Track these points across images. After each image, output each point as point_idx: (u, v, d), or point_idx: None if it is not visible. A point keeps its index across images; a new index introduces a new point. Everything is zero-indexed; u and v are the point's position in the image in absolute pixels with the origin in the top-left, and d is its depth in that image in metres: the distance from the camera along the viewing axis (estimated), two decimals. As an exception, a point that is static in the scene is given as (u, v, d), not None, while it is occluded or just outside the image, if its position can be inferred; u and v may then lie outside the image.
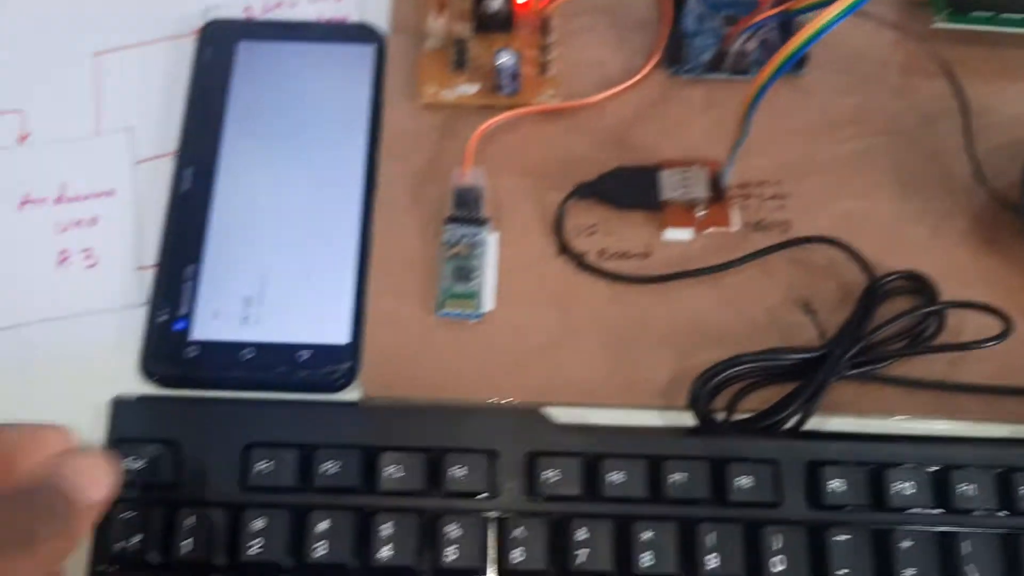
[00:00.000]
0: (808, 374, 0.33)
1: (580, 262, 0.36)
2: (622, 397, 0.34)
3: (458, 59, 0.39)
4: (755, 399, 0.34)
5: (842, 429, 0.34)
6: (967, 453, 0.31)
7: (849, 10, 0.29)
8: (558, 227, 0.37)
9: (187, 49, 0.40)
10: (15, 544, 0.24)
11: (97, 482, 0.26)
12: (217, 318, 0.35)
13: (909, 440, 0.32)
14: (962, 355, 0.35)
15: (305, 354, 0.35)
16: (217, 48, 0.40)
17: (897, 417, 0.34)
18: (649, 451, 0.30)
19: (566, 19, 0.41)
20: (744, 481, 0.30)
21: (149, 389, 0.34)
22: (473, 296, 0.35)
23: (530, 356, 0.35)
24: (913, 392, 0.34)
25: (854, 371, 0.34)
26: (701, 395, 0.33)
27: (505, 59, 0.37)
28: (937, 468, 0.30)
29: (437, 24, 0.39)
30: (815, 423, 0.34)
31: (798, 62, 0.39)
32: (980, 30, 0.40)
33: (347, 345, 0.35)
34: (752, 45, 0.39)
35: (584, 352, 0.35)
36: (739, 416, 0.34)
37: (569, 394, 0.34)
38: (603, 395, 0.34)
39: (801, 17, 0.35)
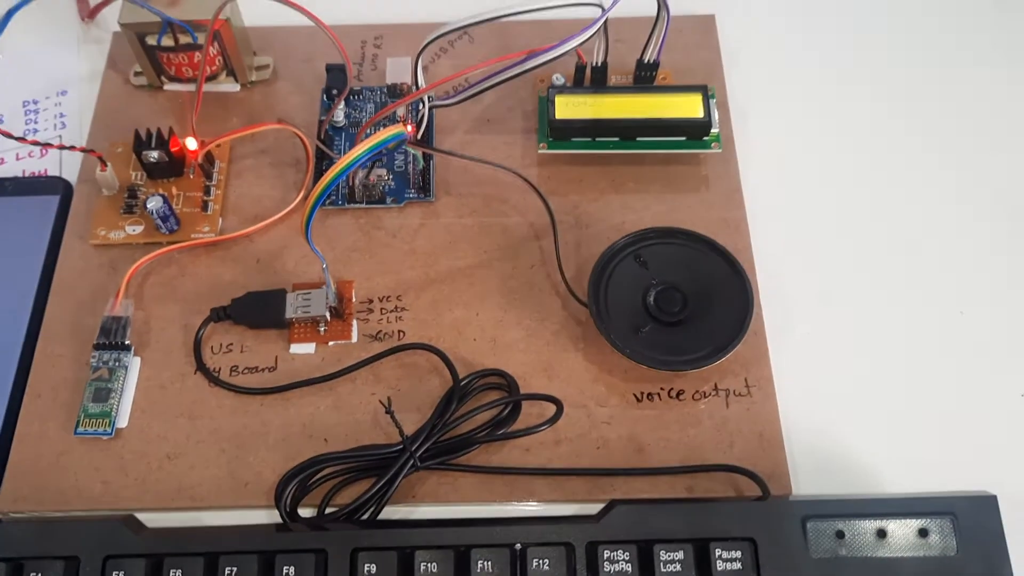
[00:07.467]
0: (388, 468, 0.37)
1: (211, 378, 0.41)
2: (232, 499, 0.38)
3: (128, 204, 0.45)
4: (352, 492, 0.38)
5: (426, 516, 0.38)
6: (483, 533, 0.34)
7: (355, 161, 0.35)
8: (196, 348, 0.42)
9: (-101, 208, 0.46)
10: None
11: None
12: None
13: (438, 524, 0.36)
14: (536, 443, 0.39)
15: (-50, 477, 0.39)
16: (-79, 208, 0.46)
17: (475, 503, 0.38)
18: (210, 549, 0.34)
19: (235, 160, 0.47)
20: (290, 570, 0.33)
21: None
22: (107, 415, 0.40)
23: (155, 467, 0.39)
24: (490, 478, 0.38)
25: (431, 463, 0.38)
26: (284, 493, 0.37)
27: (152, 203, 0.43)
28: (459, 547, 0.34)
29: (105, 175, 0.45)
30: (403, 512, 0.38)
31: (424, 189, 0.45)
32: (589, 153, 0.45)
33: (-13, 468, 0.39)
34: (373, 179, 0.44)
35: (203, 460, 0.39)
36: (330, 510, 0.38)
37: (184, 500, 0.38)
38: (214, 498, 0.38)
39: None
